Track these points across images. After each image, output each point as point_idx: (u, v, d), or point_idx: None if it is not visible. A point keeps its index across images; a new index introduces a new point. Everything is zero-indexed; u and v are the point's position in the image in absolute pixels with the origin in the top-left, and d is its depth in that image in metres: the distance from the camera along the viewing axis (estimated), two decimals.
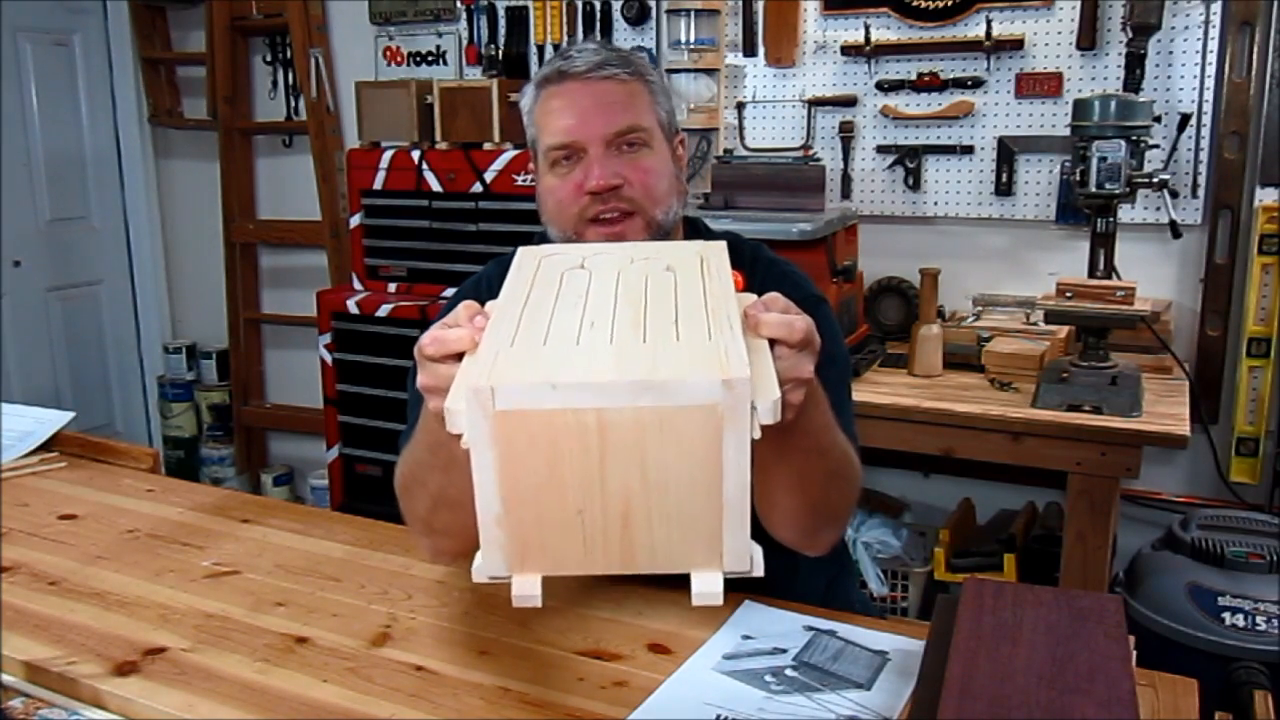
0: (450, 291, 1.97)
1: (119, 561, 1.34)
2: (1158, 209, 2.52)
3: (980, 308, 2.71)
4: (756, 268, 1.35)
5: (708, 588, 0.78)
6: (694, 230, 1.39)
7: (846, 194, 2.90)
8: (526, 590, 0.78)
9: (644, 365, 0.74)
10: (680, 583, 1.22)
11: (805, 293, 1.33)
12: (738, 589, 1.22)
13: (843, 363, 1.36)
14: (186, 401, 4.04)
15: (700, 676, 1.03)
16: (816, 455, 1.06)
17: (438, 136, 2.95)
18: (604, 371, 0.74)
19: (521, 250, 0.99)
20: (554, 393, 0.72)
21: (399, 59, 3.45)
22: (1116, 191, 2.12)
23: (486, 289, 1.35)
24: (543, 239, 1.36)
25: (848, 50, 2.82)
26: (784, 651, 1.07)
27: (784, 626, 1.13)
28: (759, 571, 0.78)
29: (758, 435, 0.75)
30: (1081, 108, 2.16)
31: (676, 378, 0.73)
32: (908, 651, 1.06)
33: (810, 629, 1.13)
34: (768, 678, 1.02)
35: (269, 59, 3.73)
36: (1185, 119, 2.50)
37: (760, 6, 2.91)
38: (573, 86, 1.25)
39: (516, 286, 0.91)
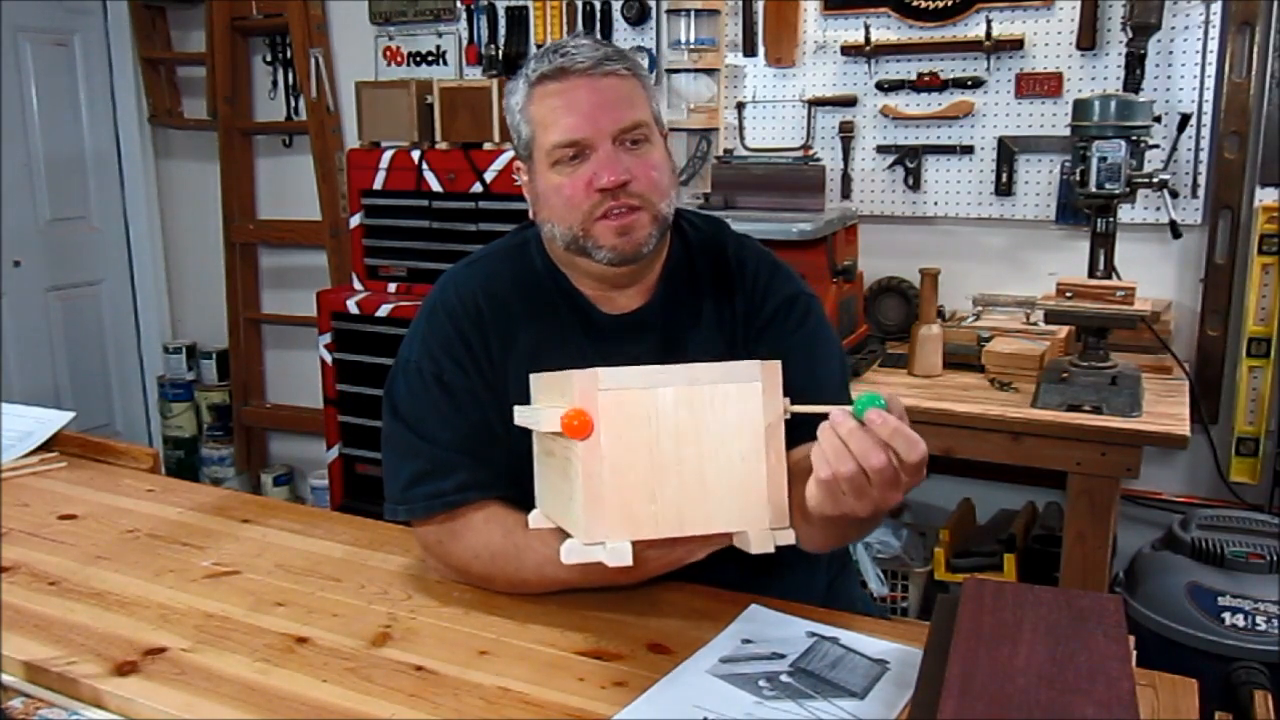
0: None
1: (119, 561, 1.34)
2: (1158, 209, 2.52)
3: (980, 308, 2.71)
4: (744, 271, 1.36)
5: (760, 539, 0.96)
6: (678, 221, 1.37)
7: (846, 194, 2.90)
8: (622, 553, 0.93)
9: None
10: (680, 581, 1.22)
11: (795, 290, 1.37)
12: (743, 589, 1.22)
13: (839, 359, 1.39)
14: (186, 401, 4.04)
15: (693, 679, 1.03)
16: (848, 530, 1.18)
17: (438, 136, 2.95)
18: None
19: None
20: (640, 378, 0.95)
21: (399, 59, 3.45)
22: (1116, 191, 2.12)
23: (463, 328, 1.32)
24: (536, 237, 1.36)
25: (848, 50, 2.82)
26: (782, 657, 1.07)
27: (786, 632, 1.12)
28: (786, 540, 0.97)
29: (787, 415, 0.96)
30: (1081, 108, 2.16)
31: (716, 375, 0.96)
32: (908, 662, 1.04)
33: (813, 635, 1.12)
34: (761, 683, 1.02)
35: (269, 59, 3.73)
36: (1185, 119, 2.50)
37: (760, 6, 2.91)
38: (576, 83, 1.23)
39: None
